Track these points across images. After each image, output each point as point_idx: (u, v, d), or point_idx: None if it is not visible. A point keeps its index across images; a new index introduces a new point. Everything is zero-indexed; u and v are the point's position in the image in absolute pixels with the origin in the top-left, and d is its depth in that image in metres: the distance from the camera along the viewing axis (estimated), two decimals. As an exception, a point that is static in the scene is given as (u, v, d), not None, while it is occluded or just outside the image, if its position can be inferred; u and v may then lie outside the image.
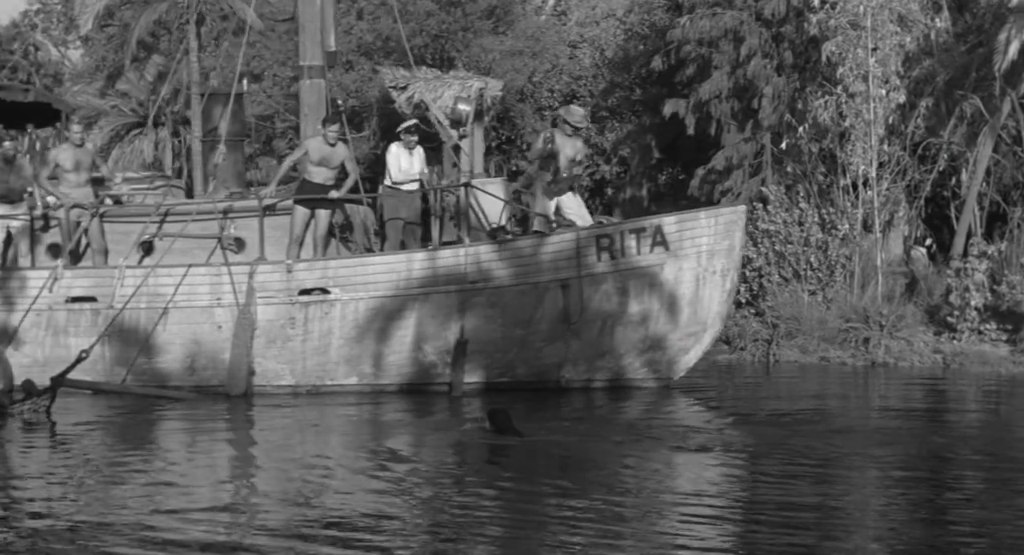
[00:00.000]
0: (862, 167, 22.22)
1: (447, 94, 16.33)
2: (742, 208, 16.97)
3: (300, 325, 16.10)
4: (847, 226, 21.98)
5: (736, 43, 24.79)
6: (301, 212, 16.31)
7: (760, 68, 24.54)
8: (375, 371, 16.26)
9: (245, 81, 17.09)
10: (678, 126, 26.42)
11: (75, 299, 16.20)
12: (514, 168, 30.10)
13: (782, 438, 12.97)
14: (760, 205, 22.41)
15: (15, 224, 16.70)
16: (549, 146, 16.32)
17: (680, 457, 12.14)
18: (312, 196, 16.25)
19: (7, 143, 17.36)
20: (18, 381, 15.87)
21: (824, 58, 22.67)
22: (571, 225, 16.37)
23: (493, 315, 16.14)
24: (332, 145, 16.19)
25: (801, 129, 23.68)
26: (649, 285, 16.44)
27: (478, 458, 12.33)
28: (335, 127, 16.15)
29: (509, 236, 16.35)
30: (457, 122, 16.66)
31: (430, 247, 16.53)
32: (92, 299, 16.18)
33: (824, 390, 17.84)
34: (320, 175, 16.32)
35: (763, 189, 23.59)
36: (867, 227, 22.55)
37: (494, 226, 16.41)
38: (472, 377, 16.23)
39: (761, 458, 12.00)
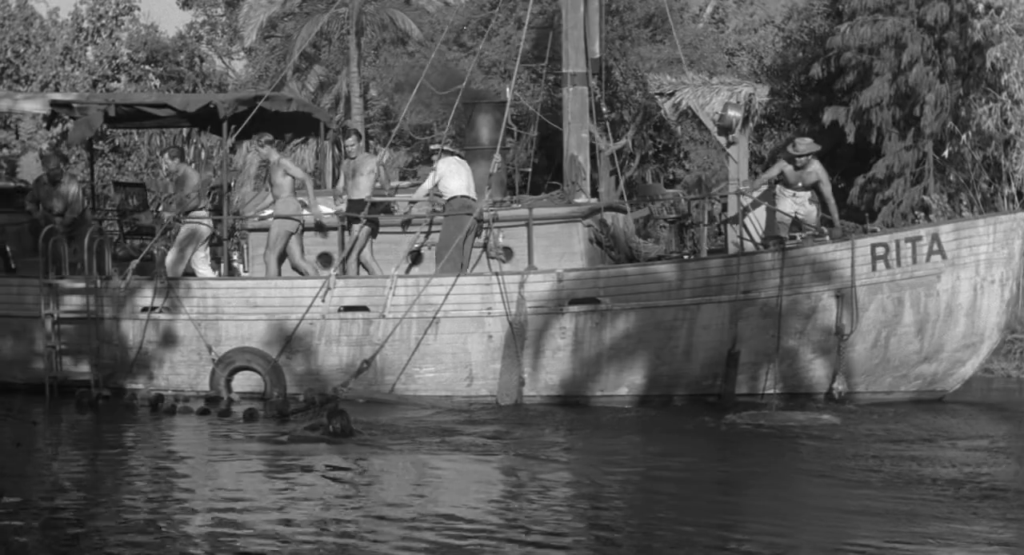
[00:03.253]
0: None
1: (716, 100, 16.01)
2: (1022, 215, 16.37)
3: (570, 335, 15.97)
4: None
5: (897, 50, 24.30)
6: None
7: (922, 75, 23.97)
8: (645, 381, 16.06)
9: (508, 89, 16.92)
10: (838, 134, 25.92)
11: (347, 308, 16.31)
12: (671, 177, 29.79)
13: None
14: (922, 214, 21.81)
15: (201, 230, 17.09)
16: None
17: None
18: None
19: (170, 153, 17.68)
20: (291, 390, 16.19)
21: (988, 64, 22.12)
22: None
23: (766, 325, 15.82)
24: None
25: (964, 137, 23.10)
26: (925, 295, 15.98)
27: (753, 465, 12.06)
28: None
29: (783, 245, 15.98)
30: (726, 129, 16.35)
31: (701, 256, 16.28)
32: (364, 308, 16.28)
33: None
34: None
35: (925, 198, 23.04)
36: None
37: (767, 235, 16.08)
38: (743, 388, 15.94)
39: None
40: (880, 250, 15.91)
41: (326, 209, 17.12)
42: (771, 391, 16.00)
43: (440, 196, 16.72)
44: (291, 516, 9.98)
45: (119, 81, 39.05)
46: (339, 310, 16.30)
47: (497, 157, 16.69)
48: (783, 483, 11.51)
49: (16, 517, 9.55)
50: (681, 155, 29.39)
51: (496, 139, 17.23)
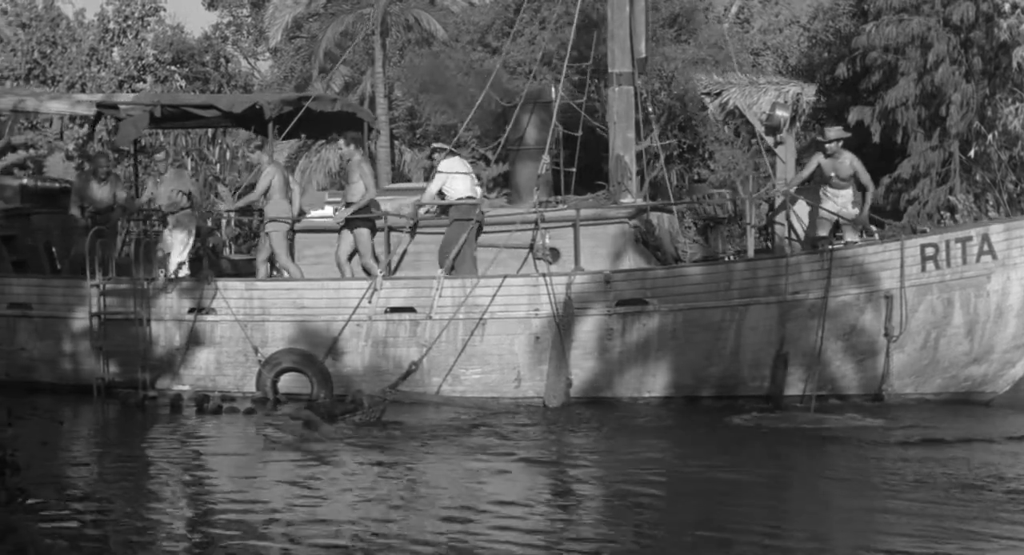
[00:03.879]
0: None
1: (763, 100, 15.93)
2: (1073, 214, 16.25)
3: (618, 336, 15.92)
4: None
5: (923, 49, 24.12)
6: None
7: (948, 75, 23.77)
8: (693, 383, 15.99)
9: (555, 89, 16.86)
10: (863, 134, 25.71)
11: (394, 309, 16.29)
12: (696, 177, 29.68)
13: None
14: (947, 214, 21.67)
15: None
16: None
17: None
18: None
19: (158, 156, 17.64)
20: (337, 391, 16.18)
21: (1015, 64, 21.99)
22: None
23: (814, 327, 15.72)
24: None
25: (991, 136, 22.96)
26: (975, 296, 15.86)
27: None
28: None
29: (831, 246, 15.89)
30: (774, 128, 16.27)
31: (750, 257, 16.19)
32: (411, 309, 16.25)
33: None
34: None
35: (951, 198, 22.88)
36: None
37: (815, 236, 15.97)
38: (791, 389, 15.85)
39: None
40: (930, 250, 15.78)
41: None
42: (820, 393, 15.90)
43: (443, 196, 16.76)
44: (321, 517, 10.03)
45: (145, 82, 39.27)
46: (386, 311, 16.28)
47: (546, 158, 16.64)
48: (823, 486, 11.49)
49: (42, 518, 9.58)
50: (706, 155, 29.26)
51: (543, 139, 17.16)
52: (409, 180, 32.23)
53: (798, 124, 16.74)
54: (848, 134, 16.70)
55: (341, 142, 16.89)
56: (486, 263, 16.31)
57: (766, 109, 16.19)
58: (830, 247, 15.83)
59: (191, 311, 16.64)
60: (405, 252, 16.76)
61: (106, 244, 16.71)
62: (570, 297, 15.82)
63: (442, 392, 16.13)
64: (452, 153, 17.02)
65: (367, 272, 16.73)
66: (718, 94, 16.40)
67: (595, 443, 13.83)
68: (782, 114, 16.08)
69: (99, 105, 17.46)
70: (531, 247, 16.46)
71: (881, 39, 24.37)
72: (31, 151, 36.98)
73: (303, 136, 21.93)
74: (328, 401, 15.66)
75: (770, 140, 16.52)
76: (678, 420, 15.25)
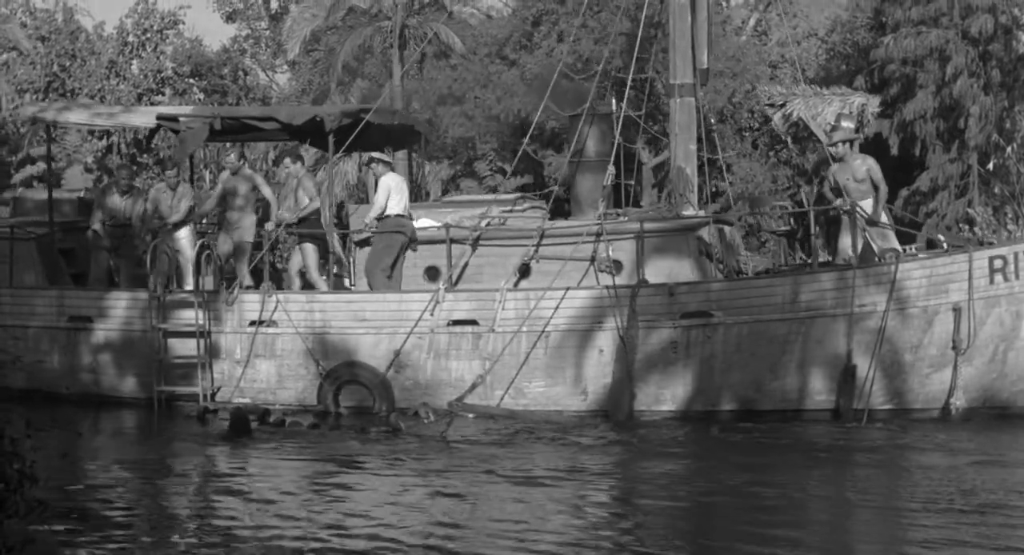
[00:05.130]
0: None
1: (828, 111, 15.77)
2: None
3: (682, 349, 15.79)
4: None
5: (942, 62, 24.08)
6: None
7: (967, 87, 23.73)
8: (758, 397, 15.85)
9: (614, 100, 16.77)
10: (881, 146, 25.60)
11: (456, 322, 16.22)
12: (713, 189, 29.57)
13: None
14: (966, 227, 21.47)
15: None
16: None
17: None
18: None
19: (169, 172, 17.63)
20: (398, 405, 16.12)
21: None
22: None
23: (880, 340, 15.54)
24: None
25: (1009, 149, 22.85)
26: (1044, 308, 15.68)
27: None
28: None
29: (896, 258, 15.72)
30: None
31: (816, 269, 16.04)
32: (473, 322, 16.17)
33: None
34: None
35: (969, 211, 22.76)
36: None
37: (884, 248, 15.80)
38: (857, 404, 15.68)
39: None
40: (998, 262, 15.60)
41: (430, 222, 17.02)
42: (887, 406, 15.75)
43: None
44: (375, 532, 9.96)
45: (163, 95, 39.46)
46: (448, 324, 16.21)
47: (611, 169, 16.54)
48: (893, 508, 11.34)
49: (61, 530, 9.58)
50: (724, 168, 29.21)
51: (605, 151, 17.08)
52: (428, 193, 32.24)
53: (863, 134, 16.51)
54: (857, 136, 16.42)
55: (287, 160, 16.87)
56: (551, 275, 16.20)
57: (831, 120, 15.97)
58: (897, 259, 15.67)
59: (252, 324, 16.61)
60: (467, 264, 16.66)
61: (127, 257, 16.81)
62: (634, 309, 15.71)
63: (505, 405, 16.03)
64: (389, 166, 17.27)
65: (312, 287, 17.02)
66: (782, 105, 16.22)
67: (658, 458, 13.71)
68: (848, 125, 15.91)
69: (159, 117, 17.46)
70: (593, 259, 16.34)
71: (899, 52, 24.39)
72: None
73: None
74: (394, 415, 15.59)
75: (833, 150, 16.33)
76: (742, 434, 15.11)
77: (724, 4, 33.98)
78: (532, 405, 16.01)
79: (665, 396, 15.91)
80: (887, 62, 24.89)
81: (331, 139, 17.02)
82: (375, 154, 17.57)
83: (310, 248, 17.09)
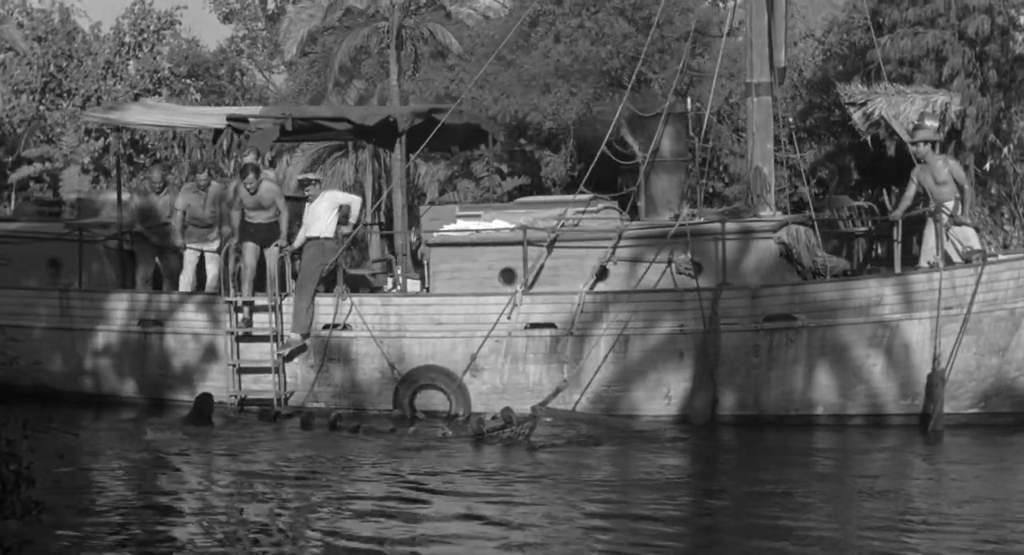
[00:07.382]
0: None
1: (911, 110, 15.49)
2: None
3: (764, 352, 15.55)
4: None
5: (938, 62, 23.90)
6: None
7: (963, 88, 23.42)
8: (842, 401, 15.59)
9: (689, 100, 16.53)
10: (878, 147, 25.40)
11: (534, 325, 16.00)
12: (710, 190, 29.36)
13: None
14: None
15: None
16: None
17: None
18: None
19: (201, 176, 17.32)
20: (475, 409, 15.92)
21: None
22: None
23: (968, 343, 15.28)
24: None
25: (1006, 149, 22.72)
26: None
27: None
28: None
29: (985, 260, 15.44)
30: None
31: (901, 271, 15.77)
32: (551, 325, 15.95)
33: None
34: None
35: None
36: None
37: (969, 249, 15.51)
38: (945, 408, 15.41)
39: None
40: (1088, 264, 15.35)
41: (504, 224, 16.78)
42: (973, 410, 15.49)
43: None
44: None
45: (160, 95, 39.46)
46: (525, 327, 15.99)
47: (693, 169, 16.30)
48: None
49: (58, 532, 9.47)
50: (720, 168, 29.00)
51: (679, 151, 16.85)
52: (424, 194, 32.07)
53: (944, 133, 16.24)
54: (937, 137, 16.12)
55: (252, 175, 16.30)
56: (627, 277, 15.97)
57: (914, 119, 15.69)
58: (983, 261, 15.38)
59: (326, 327, 16.41)
60: (542, 267, 16.42)
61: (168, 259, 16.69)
62: (716, 312, 15.48)
63: (584, 409, 15.81)
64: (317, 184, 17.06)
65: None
66: (863, 104, 15.97)
67: (740, 463, 13.52)
68: (932, 124, 15.63)
69: (229, 119, 17.23)
70: (670, 261, 16.10)
71: (896, 52, 24.25)
72: (47, 164, 37.20)
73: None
74: (477, 420, 15.32)
75: (915, 150, 16.03)
76: (826, 439, 14.93)
77: (721, 5, 33.81)
78: (612, 410, 15.79)
79: (748, 401, 15.66)
80: (884, 62, 24.81)
81: (401, 140, 16.80)
82: (311, 176, 17.33)
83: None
